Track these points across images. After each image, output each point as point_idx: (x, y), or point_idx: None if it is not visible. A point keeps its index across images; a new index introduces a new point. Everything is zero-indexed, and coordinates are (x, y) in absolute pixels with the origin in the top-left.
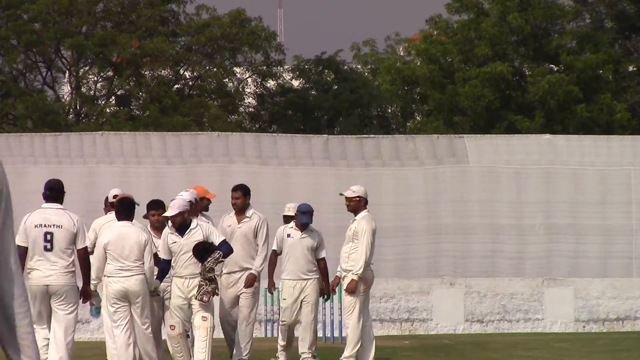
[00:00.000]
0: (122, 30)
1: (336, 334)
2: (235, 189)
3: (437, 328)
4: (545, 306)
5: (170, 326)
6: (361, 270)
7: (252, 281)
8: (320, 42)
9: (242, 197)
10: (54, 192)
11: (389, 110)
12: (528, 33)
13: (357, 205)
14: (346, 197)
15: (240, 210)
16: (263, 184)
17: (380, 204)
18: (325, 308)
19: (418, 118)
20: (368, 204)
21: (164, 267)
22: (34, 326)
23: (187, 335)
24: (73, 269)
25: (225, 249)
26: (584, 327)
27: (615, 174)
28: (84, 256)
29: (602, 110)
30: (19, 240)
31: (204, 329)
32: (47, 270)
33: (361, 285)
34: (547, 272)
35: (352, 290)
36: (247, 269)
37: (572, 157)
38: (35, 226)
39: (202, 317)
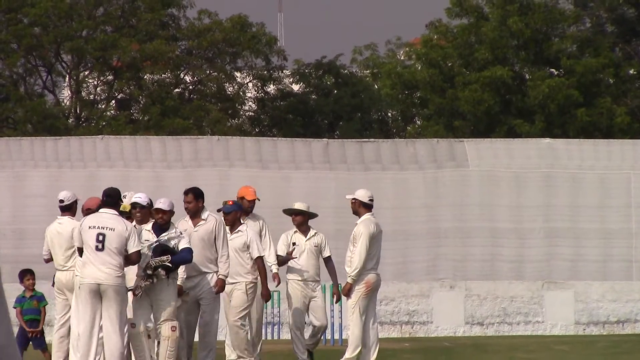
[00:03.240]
0: (122, 34)
1: (336, 336)
2: (187, 192)
3: (437, 331)
4: (546, 309)
5: (131, 324)
6: (355, 272)
7: (222, 287)
8: (320, 47)
9: (193, 201)
10: (111, 198)
11: (390, 115)
12: (528, 37)
13: (354, 207)
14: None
15: (194, 213)
16: (263, 188)
17: (380, 207)
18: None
19: (418, 122)
20: (373, 207)
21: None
22: (74, 323)
23: (148, 335)
24: (123, 271)
25: (182, 255)
26: (584, 329)
27: (615, 177)
28: (135, 260)
29: (602, 114)
30: (78, 243)
31: (173, 341)
32: (98, 270)
33: (362, 288)
34: (547, 275)
35: (345, 293)
36: (206, 273)
37: (571, 161)
38: (90, 227)
39: (172, 327)
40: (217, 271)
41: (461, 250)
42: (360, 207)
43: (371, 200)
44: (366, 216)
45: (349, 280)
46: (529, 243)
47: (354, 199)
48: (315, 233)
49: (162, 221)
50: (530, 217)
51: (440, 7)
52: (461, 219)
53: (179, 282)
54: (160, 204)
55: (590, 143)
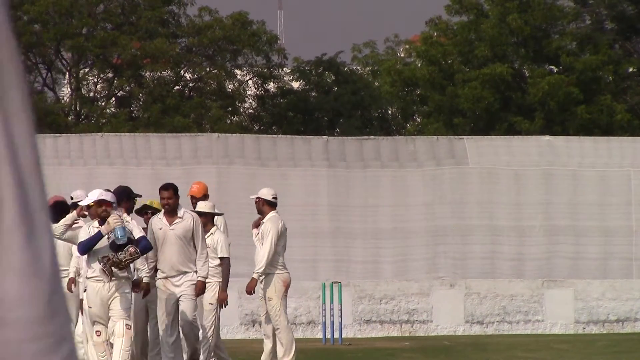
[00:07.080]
0: (122, 31)
1: (336, 335)
2: (167, 187)
3: (437, 329)
4: (545, 307)
5: (96, 332)
6: (262, 269)
7: (203, 290)
8: (320, 44)
9: (174, 197)
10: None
11: (390, 112)
12: (528, 34)
13: (258, 206)
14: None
15: (171, 210)
16: (262, 186)
17: (378, 205)
18: (325, 309)
19: (418, 120)
20: (277, 205)
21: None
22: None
23: (111, 344)
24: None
25: (143, 244)
26: (584, 328)
27: (615, 175)
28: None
29: (602, 111)
30: None
31: (128, 338)
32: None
33: (282, 288)
34: (547, 274)
35: (250, 289)
36: (186, 272)
37: (571, 158)
38: None
39: (127, 324)
40: (196, 271)
41: (461, 248)
42: (265, 206)
43: (275, 198)
44: (272, 214)
45: (255, 276)
46: (529, 241)
47: (257, 197)
48: (211, 234)
49: (107, 215)
50: (530, 215)
51: (440, 5)
52: (461, 217)
53: (145, 280)
54: (103, 195)
55: (590, 140)
